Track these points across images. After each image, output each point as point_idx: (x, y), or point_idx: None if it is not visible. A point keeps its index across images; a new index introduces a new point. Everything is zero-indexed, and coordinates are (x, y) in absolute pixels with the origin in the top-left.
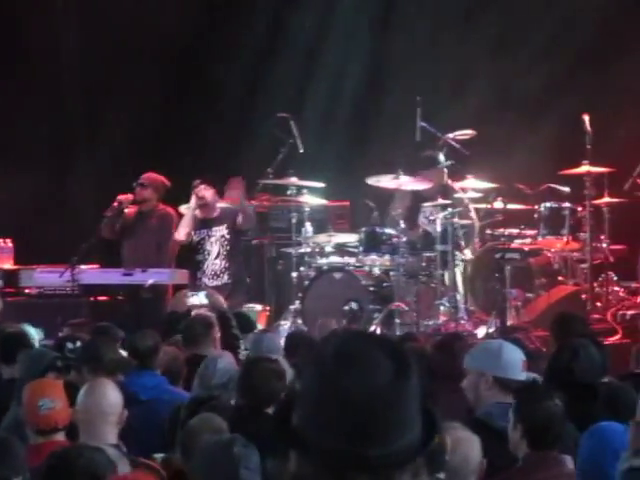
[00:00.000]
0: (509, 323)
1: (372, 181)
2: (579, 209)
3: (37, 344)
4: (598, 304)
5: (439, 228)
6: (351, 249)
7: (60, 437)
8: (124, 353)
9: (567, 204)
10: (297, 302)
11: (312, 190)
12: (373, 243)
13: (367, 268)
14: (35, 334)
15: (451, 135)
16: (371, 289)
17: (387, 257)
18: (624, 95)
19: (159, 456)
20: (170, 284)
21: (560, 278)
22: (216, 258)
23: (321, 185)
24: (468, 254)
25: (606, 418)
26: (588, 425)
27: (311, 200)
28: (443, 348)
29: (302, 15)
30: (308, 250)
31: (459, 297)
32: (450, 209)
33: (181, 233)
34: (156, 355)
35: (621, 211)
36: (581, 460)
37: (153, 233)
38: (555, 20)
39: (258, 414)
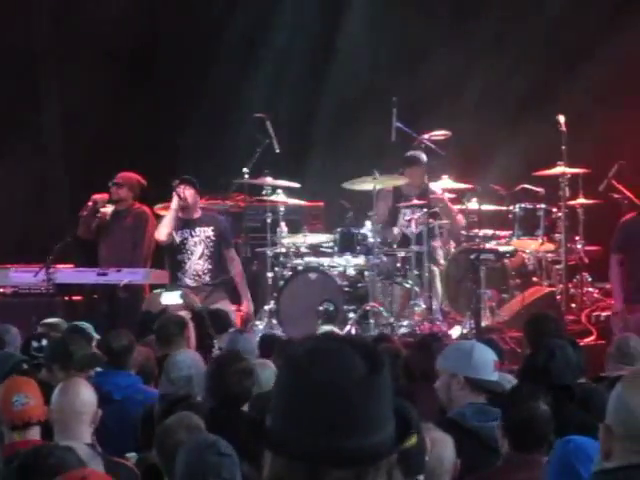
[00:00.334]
0: (484, 324)
1: (348, 184)
2: (554, 210)
3: None
4: (573, 305)
5: (415, 229)
6: (326, 249)
7: (35, 435)
8: (98, 352)
9: (542, 205)
10: (272, 302)
11: (287, 190)
12: (348, 243)
13: (342, 268)
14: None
15: (426, 136)
16: (346, 289)
17: (362, 257)
18: (599, 96)
19: (133, 455)
20: (146, 284)
21: (535, 279)
22: (199, 258)
23: (296, 185)
24: (442, 254)
25: (580, 420)
26: (563, 427)
27: (286, 200)
28: (421, 348)
29: (278, 16)
30: (283, 250)
31: (434, 298)
32: (425, 210)
33: (162, 233)
34: (130, 354)
35: (596, 212)
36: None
37: (129, 232)
38: (531, 22)
39: (229, 413)
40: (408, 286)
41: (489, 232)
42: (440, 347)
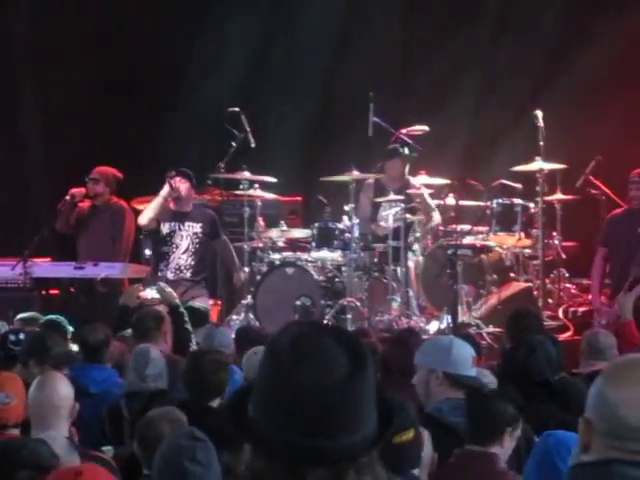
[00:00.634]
0: (461, 319)
1: (326, 178)
2: (531, 206)
3: None
4: (550, 301)
5: (392, 223)
6: (303, 244)
7: (14, 432)
8: (74, 347)
9: (519, 201)
10: (249, 297)
11: (264, 185)
12: (325, 238)
13: (319, 263)
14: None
15: (404, 131)
16: (323, 284)
17: (339, 252)
18: (577, 92)
19: (109, 449)
20: (124, 278)
21: (512, 274)
22: (183, 253)
23: (273, 180)
24: (418, 249)
25: (558, 415)
26: (543, 422)
27: (263, 195)
28: (398, 344)
29: (255, 10)
30: (260, 245)
31: (411, 293)
32: (403, 204)
33: (144, 217)
34: (107, 348)
35: (573, 208)
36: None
37: (107, 227)
38: (509, 17)
39: (205, 406)
40: (385, 281)
41: (466, 227)
42: (417, 342)
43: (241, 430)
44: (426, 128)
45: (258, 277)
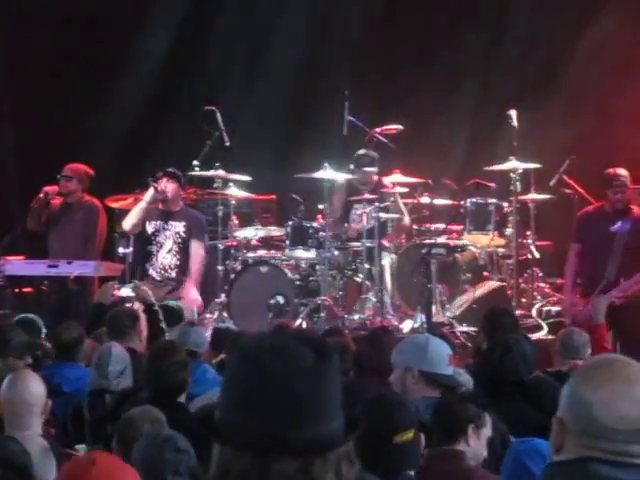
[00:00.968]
0: (434, 318)
1: (301, 175)
2: (505, 205)
3: None
4: (523, 300)
5: (366, 223)
6: (277, 243)
7: None
8: (48, 344)
9: (493, 200)
10: (223, 295)
11: (238, 183)
12: (300, 237)
13: (293, 262)
14: None
15: (378, 129)
16: (297, 283)
17: (313, 251)
18: (551, 91)
19: (82, 447)
20: (96, 276)
21: (485, 274)
22: (167, 253)
23: (247, 178)
24: (392, 248)
25: (533, 414)
26: (517, 421)
27: (237, 193)
28: (371, 342)
29: (230, 10)
30: (234, 243)
31: (385, 292)
32: (377, 204)
33: (127, 223)
34: (80, 347)
35: (547, 207)
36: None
37: (79, 225)
38: (482, 17)
39: (165, 404)
40: (359, 280)
41: (440, 226)
42: (391, 340)
43: (210, 430)
44: (400, 127)
45: (232, 275)
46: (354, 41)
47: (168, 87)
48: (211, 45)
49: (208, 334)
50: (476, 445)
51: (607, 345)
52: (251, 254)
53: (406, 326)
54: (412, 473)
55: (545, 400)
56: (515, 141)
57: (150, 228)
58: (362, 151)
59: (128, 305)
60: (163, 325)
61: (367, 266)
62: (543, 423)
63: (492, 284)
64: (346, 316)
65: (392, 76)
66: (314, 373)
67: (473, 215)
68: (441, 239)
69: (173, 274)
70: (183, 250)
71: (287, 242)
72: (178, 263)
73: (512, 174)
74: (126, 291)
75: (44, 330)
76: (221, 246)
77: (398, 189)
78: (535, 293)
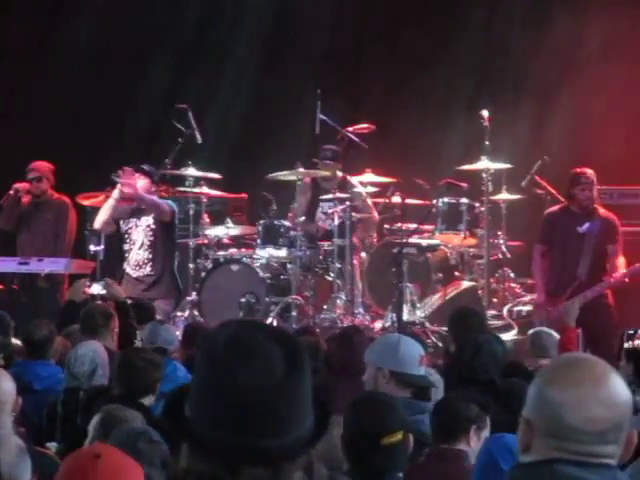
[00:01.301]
0: (405, 318)
1: (272, 176)
2: (477, 205)
3: None
4: (494, 300)
5: (337, 222)
6: (249, 241)
7: None
8: (18, 342)
9: (465, 200)
10: (194, 294)
11: (210, 182)
12: (271, 236)
13: (264, 260)
14: None
15: (350, 129)
16: (268, 281)
17: (284, 250)
18: (523, 92)
19: (53, 445)
20: (66, 274)
21: (457, 273)
22: (140, 248)
23: (218, 177)
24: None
25: (503, 414)
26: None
27: (209, 192)
28: (341, 341)
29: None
30: (205, 242)
31: (356, 291)
32: (347, 202)
33: (97, 221)
34: (51, 345)
35: (518, 208)
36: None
37: (49, 223)
38: (456, 16)
39: (134, 403)
40: (330, 279)
41: (412, 226)
42: (361, 340)
43: (178, 429)
44: (372, 126)
45: (203, 274)
46: (326, 38)
47: (140, 84)
48: (182, 43)
49: (179, 332)
50: (476, 446)
51: (573, 348)
52: (222, 252)
53: (377, 326)
54: (400, 475)
55: (517, 402)
56: (487, 141)
57: (124, 227)
58: (326, 145)
59: (99, 303)
60: (133, 322)
61: (338, 265)
62: (514, 423)
63: (463, 284)
64: (317, 315)
65: (363, 75)
66: (287, 385)
67: (444, 215)
68: (412, 239)
69: (148, 269)
70: (155, 243)
71: (258, 241)
72: (151, 257)
73: (484, 174)
74: (97, 288)
75: (12, 326)
76: (192, 244)
77: (369, 188)
78: (506, 293)
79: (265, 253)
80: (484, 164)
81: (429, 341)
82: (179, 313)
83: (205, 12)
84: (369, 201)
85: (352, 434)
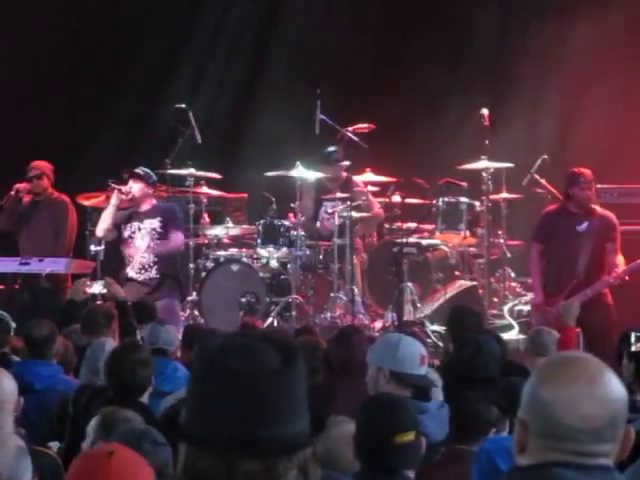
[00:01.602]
0: (405, 317)
1: (272, 173)
2: (477, 204)
3: None
4: (495, 299)
5: (337, 221)
6: (248, 241)
7: None
8: (19, 342)
9: (465, 199)
10: (194, 294)
11: (210, 181)
12: (271, 235)
13: (264, 260)
14: None
15: (350, 128)
16: (268, 281)
17: (284, 249)
18: (523, 90)
19: (55, 444)
20: (68, 273)
21: (457, 273)
22: (145, 251)
23: (218, 177)
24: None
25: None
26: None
27: (209, 191)
28: (341, 341)
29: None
30: (205, 241)
31: (356, 291)
32: (349, 202)
33: (99, 229)
34: (52, 344)
35: (518, 207)
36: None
37: (49, 222)
38: (456, 15)
39: (132, 403)
40: (330, 279)
41: (412, 225)
42: (360, 339)
43: (176, 431)
44: (371, 126)
45: (203, 274)
46: (325, 38)
47: (140, 83)
48: (184, 43)
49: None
50: None
51: (573, 348)
52: (222, 252)
53: (377, 325)
54: (411, 474)
55: (518, 402)
56: (487, 140)
57: (126, 232)
58: (332, 147)
59: (101, 303)
60: (133, 322)
61: (338, 265)
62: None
63: (463, 283)
64: (317, 315)
65: (363, 75)
66: (280, 375)
67: (444, 214)
68: (412, 238)
69: (153, 272)
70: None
71: (258, 240)
72: (156, 260)
73: (484, 173)
74: (97, 288)
75: (13, 326)
76: (192, 244)
77: (369, 188)
78: (506, 292)
79: (265, 253)
80: (484, 163)
81: (429, 340)
82: (180, 313)
83: (220, 12)
84: (371, 198)
85: (364, 434)
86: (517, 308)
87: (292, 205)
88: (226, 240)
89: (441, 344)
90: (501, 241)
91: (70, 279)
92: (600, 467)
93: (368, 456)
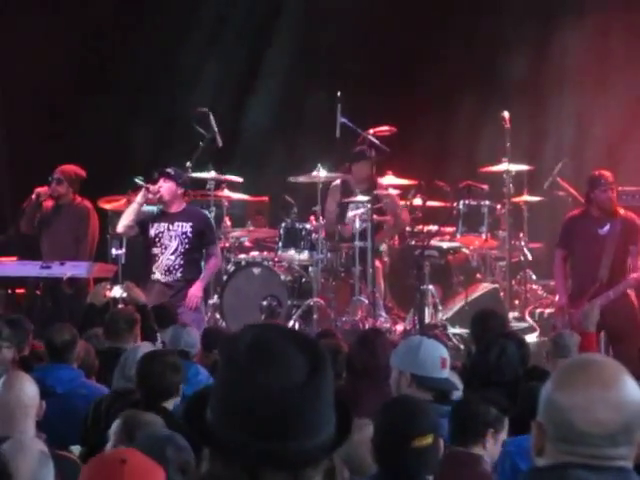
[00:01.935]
0: (427, 320)
1: (293, 178)
2: (498, 207)
3: None
4: (516, 302)
5: (358, 224)
6: (270, 244)
7: None
8: (40, 346)
9: (486, 202)
10: (215, 297)
11: (231, 185)
12: (292, 238)
13: (286, 263)
14: None
15: (371, 131)
16: (289, 285)
17: (306, 253)
18: (544, 94)
19: (76, 448)
20: (90, 278)
21: (478, 276)
22: (172, 254)
23: (240, 180)
24: (383, 249)
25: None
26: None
27: (230, 195)
28: (363, 344)
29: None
30: (227, 245)
31: (377, 294)
32: (370, 205)
33: (120, 225)
34: (73, 349)
35: (540, 209)
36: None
37: (70, 227)
38: (473, 18)
39: (155, 407)
40: (352, 282)
41: (433, 228)
42: (383, 342)
43: (198, 433)
44: (393, 129)
45: (225, 277)
46: (346, 41)
47: (162, 88)
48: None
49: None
50: (492, 448)
51: (593, 352)
52: (243, 255)
53: (398, 328)
54: (431, 478)
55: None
56: (508, 143)
57: (153, 231)
58: (358, 148)
59: (124, 307)
60: (153, 325)
61: (359, 268)
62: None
63: (485, 286)
64: (338, 318)
65: (384, 78)
66: (310, 387)
67: (466, 217)
68: (434, 241)
69: (178, 275)
70: (189, 251)
71: (280, 244)
72: (182, 263)
73: (505, 176)
74: (117, 292)
75: (31, 328)
76: None
77: (392, 191)
78: (528, 295)
79: (286, 256)
80: (505, 166)
81: (450, 343)
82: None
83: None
84: (397, 201)
85: (383, 436)
86: (538, 311)
87: (313, 208)
88: (247, 243)
89: (462, 347)
90: (522, 244)
91: (92, 283)
92: (615, 468)
93: (385, 459)
